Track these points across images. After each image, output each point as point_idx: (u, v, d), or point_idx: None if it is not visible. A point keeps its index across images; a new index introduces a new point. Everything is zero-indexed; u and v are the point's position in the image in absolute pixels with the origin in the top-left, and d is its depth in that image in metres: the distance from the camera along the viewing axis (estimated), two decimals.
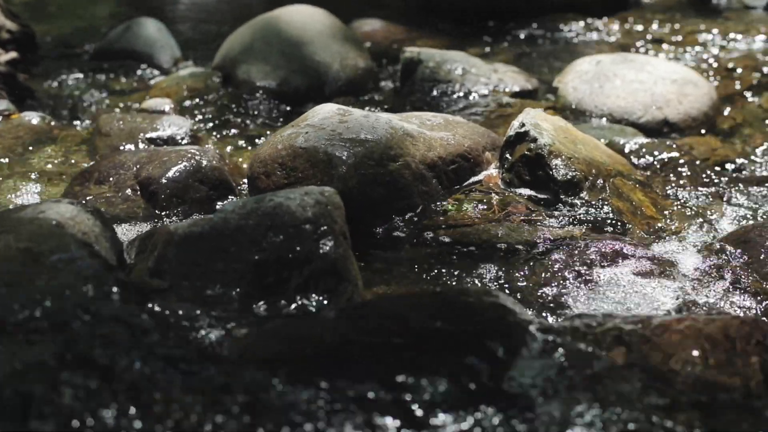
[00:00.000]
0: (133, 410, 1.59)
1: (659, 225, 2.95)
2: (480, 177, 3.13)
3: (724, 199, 3.20)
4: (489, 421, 1.64)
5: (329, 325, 2.03)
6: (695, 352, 1.88)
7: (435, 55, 4.33)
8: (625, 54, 4.29)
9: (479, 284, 2.49)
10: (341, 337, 1.96)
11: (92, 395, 1.58)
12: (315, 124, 2.97)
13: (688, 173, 3.36)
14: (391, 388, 1.71)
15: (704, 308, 2.33)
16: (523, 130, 3.09)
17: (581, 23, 5.62)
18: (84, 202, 2.79)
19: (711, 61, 4.81)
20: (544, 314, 2.32)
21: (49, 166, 3.48)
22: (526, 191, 3.03)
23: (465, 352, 1.85)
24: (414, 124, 3.14)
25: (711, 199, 3.19)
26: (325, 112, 3.04)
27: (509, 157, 3.11)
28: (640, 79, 3.99)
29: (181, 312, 2.07)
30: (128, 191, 3.10)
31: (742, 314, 2.30)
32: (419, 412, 1.64)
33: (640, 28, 5.47)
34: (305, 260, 2.26)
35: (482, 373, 1.78)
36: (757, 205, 3.15)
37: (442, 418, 1.63)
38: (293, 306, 2.20)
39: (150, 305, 2.06)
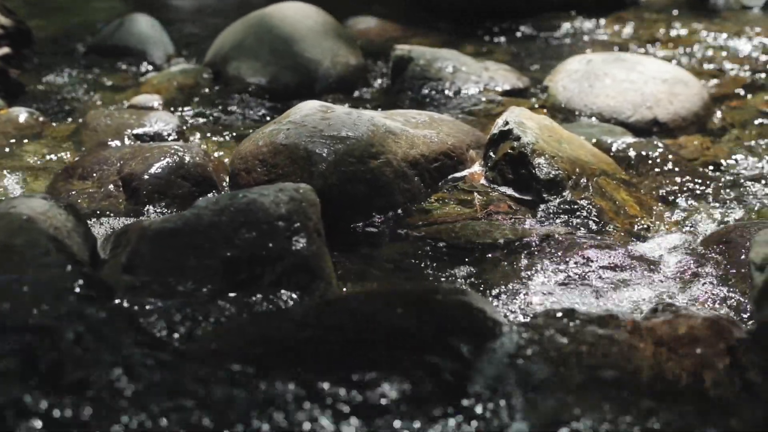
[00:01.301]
0: (86, 406, 1.59)
1: (642, 224, 2.94)
2: (463, 175, 3.12)
3: (710, 199, 3.19)
4: (446, 419, 1.63)
5: (297, 321, 2.03)
6: (663, 352, 1.87)
7: (426, 53, 4.32)
8: (617, 53, 4.28)
9: (455, 282, 2.48)
10: (307, 334, 1.95)
11: (45, 390, 1.58)
12: (297, 121, 2.96)
13: (675, 173, 3.34)
14: (349, 385, 1.70)
15: (679, 308, 2.31)
16: (506, 128, 3.08)
17: (579, 22, 5.60)
18: (60, 197, 2.79)
19: (706, 61, 4.79)
20: (517, 312, 2.31)
21: (35, 161, 3.48)
22: (509, 190, 3.02)
23: (429, 351, 1.84)
24: (398, 121, 3.13)
25: (697, 199, 3.17)
26: (307, 109, 3.04)
27: (493, 156, 3.10)
28: (630, 79, 3.97)
29: (149, 308, 2.06)
30: (111, 187, 3.10)
31: (716, 315, 2.28)
32: (375, 410, 1.63)
33: (636, 27, 5.45)
34: (278, 257, 2.26)
35: (444, 371, 1.77)
36: (743, 206, 3.13)
37: (397, 416, 1.62)
38: (265, 303, 2.19)
39: (117, 301, 2.05)
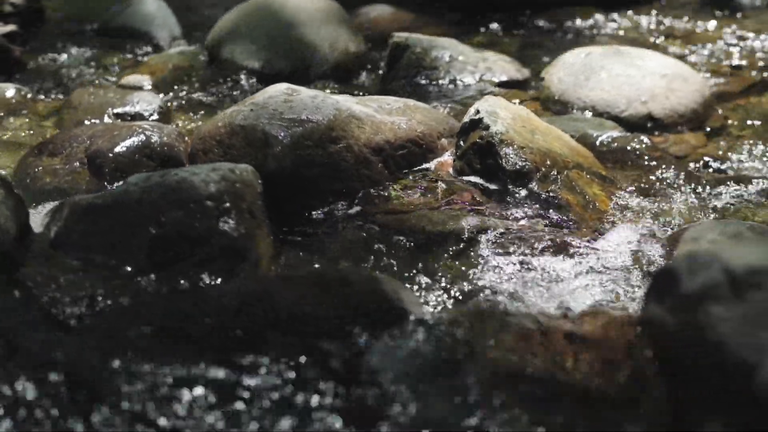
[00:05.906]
0: None
1: (610, 220, 2.84)
2: (431, 164, 3.05)
3: (689, 197, 3.07)
4: (319, 407, 1.57)
5: (207, 303, 1.99)
6: (571, 351, 1.79)
7: (423, 41, 4.24)
8: (618, 47, 4.15)
9: (391, 270, 2.41)
10: (213, 315, 1.91)
11: None
12: (258, 102, 2.92)
13: (658, 170, 3.23)
14: (233, 368, 1.66)
15: (612, 308, 2.22)
16: (477, 117, 3.00)
17: (596, 16, 5.47)
18: None
19: (717, 58, 4.65)
20: (440, 304, 2.24)
21: (14, 137, 3.48)
22: (475, 180, 2.94)
23: (327, 336, 1.79)
24: (369, 107, 3.06)
25: (675, 197, 3.06)
26: (272, 91, 2.99)
27: (462, 145, 3.02)
28: (627, 73, 3.86)
29: (61, 283, 2.03)
30: (77, 164, 3.08)
31: (631, 313, 2.19)
32: (251, 395, 1.58)
33: (653, 23, 5.31)
34: (205, 237, 2.22)
35: (335, 358, 1.72)
36: (722, 205, 3.01)
37: (271, 402, 1.57)
38: (186, 283, 2.15)
39: (28, 272, 2.03)
